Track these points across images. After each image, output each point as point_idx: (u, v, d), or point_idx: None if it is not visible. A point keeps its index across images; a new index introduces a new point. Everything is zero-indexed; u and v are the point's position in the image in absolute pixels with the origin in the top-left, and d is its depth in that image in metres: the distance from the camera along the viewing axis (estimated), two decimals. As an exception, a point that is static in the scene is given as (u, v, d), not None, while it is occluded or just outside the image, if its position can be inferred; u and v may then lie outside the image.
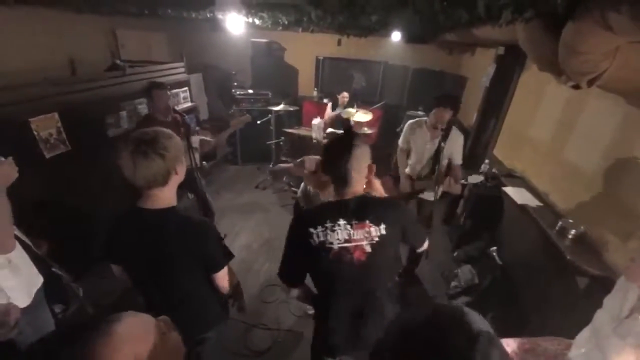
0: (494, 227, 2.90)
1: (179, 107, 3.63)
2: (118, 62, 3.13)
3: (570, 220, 1.97)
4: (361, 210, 1.10)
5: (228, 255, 1.25)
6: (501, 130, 3.37)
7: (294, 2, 2.18)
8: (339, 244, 1.08)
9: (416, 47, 4.65)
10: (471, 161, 3.51)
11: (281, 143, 4.59)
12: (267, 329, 2.35)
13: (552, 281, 2.06)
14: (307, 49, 5.25)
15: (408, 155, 2.72)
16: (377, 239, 1.10)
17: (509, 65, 3.18)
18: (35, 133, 2.18)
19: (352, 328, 1.19)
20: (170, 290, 1.21)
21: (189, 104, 4.07)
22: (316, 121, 3.91)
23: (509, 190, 2.56)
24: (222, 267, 1.21)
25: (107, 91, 2.76)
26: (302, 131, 4.39)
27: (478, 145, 3.83)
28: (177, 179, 1.11)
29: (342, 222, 1.09)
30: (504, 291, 2.44)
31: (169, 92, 2.53)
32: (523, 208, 2.34)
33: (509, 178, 2.79)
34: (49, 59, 2.88)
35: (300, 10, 2.44)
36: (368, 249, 1.09)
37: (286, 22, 3.71)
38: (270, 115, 4.51)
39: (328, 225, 1.08)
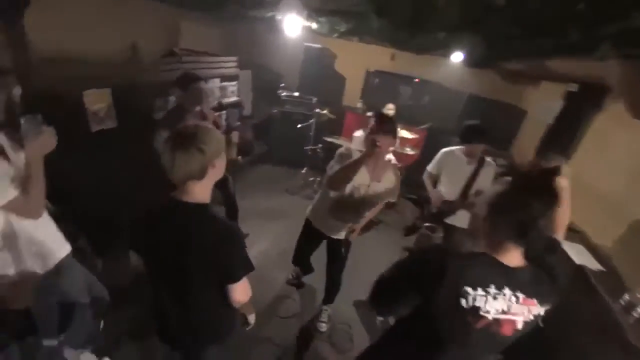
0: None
1: (226, 100, 3.67)
2: (175, 49, 3.21)
3: (639, 295, 1.67)
4: (534, 286, 0.93)
5: (248, 267, 1.15)
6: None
7: (358, 9, 2.08)
8: (495, 314, 0.89)
9: (474, 71, 4.39)
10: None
11: (318, 150, 4.51)
12: (274, 345, 2.22)
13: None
14: (358, 59, 5.17)
15: (435, 184, 2.58)
16: (532, 317, 0.94)
17: (580, 105, 2.86)
18: (87, 106, 2.26)
19: None
20: (182, 289, 1.14)
21: (235, 98, 4.11)
22: (358, 134, 3.78)
23: (565, 245, 2.25)
24: (239, 279, 1.13)
25: (160, 76, 2.83)
26: (341, 141, 4.28)
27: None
28: (214, 173, 1.10)
29: (507, 291, 0.90)
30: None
31: (204, 86, 2.41)
32: (580, 268, 2.04)
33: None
34: (113, 42, 3.00)
35: (363, 18, 2.34)
36: (519, 326, 0.93)
37: (343, 30, 3.66)
38: (311, 121, 4.45)
39: (492, 291, 0.88)
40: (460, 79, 4.67)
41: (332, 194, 1.95)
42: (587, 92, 2.77)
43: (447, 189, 2.48)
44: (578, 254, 2.16)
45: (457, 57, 3.43)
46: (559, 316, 2.24)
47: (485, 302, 0.88)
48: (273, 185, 4.44)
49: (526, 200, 0.86)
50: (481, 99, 4.58)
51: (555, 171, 0.99)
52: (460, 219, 2.45)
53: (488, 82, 4.52)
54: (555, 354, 2.15)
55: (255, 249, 3.16)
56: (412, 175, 4.48)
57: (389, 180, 1.94)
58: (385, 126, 1.73)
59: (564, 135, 3.13)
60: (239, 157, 4.17)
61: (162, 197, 1.11)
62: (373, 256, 3.32)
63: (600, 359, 1.78)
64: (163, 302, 1.20)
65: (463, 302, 0.87)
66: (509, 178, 0.97)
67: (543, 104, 3.35)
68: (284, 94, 4.86)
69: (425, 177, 2.64)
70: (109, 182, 2.49)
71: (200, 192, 1.09)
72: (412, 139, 4.02)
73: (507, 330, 0.92)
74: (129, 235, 1.16)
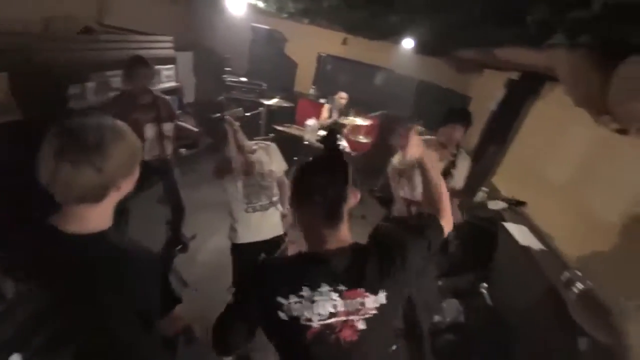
0: (486, 261, 2.73)
1: (160, 87, 3.24)
2: (92, 25, 2.70)
3: (579, 273, 1.80)
4: (353, 271, 0.80)
5: (173, 302, 0.94)
6: (504, 159, 3.21)
7: (308, -15, 1.88)
8: (320, 320, 0.76)
9: (425, 59, 4.44)
10: (465, 186, 3.34)
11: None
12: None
13: (550, 335, 1.88)
14: (309, 44, 4.96)
15: (401, 177, 2.29)
16: (375, 311, 0.79)
17: (522, 93, 3.02)
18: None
19: None
20: (100, 343, 0.89)
21: (173, 83, 3.67)
22: (311, 122, 3.64)
23: (510, 227, 2.37)
24: (165, 315, 0.92)
25: (75, 56, 2.35)
26: (294, 130, 4.09)
27: (475, 171, 3.67)
28: (117, 195, 0.80)
29: (325, 288, 0.77)
30: (494, 336, 2.26)
31: (153, 71, 2.21)
32: (524, 249, 2.16)
33: (509, 212, 2.62)
34: (22, 13, 2.42)
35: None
36: (361, 325, 0.79)
37: (293, 11, 3.40)
38: (261, 109, 4.18)
39: (305, 294, 0.77)
40: (411, 65, 4.70)
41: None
42: (527, 80, 2.93)
43: (417, 183, 2.20)
44: (522, 235, 2.29)
45: (408, 43, 3.40)
46: (506, 289, 2.41)
47: (302, 308, 0.76)
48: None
49: (318, 181, 0.82)
50: (431, 85, 4.68)
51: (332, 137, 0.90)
52: None
53: (436, 69, 4.61)
54: (503, 317, 2.29)
55: (209, 245, 2.92)
56: (368, 164, 4.49)
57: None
58: None
59: (505, 121, 3.31)
60: (182, 150, 3.79)
61: (35, 226, 0.78)
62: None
63: (545, 325, 1.91)
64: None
65: (280, 314, 0.76)
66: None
67: (488, 92, 3.49)
68: (231, 79, 4.49)
69: (389, 172, 2.32)
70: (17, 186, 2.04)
71: (97, 218, 0.79)
72: (366, 126, 3.98)
73: (350, 335, 0.78)
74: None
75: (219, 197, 3.50)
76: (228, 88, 4.48)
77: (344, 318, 0.77)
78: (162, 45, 3.32)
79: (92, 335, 0.87)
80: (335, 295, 0.77)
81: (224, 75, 4.49)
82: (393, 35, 3.45)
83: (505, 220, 2.50)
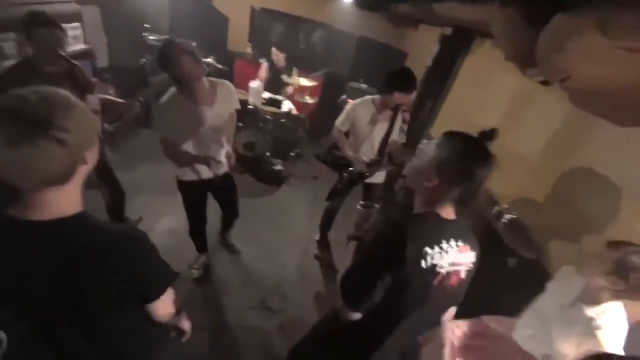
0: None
1: (67, 50, 2.70)
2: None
3: (505, 206, 2.13)
4: (466, 233, 1.01)
5: (170, 275, 0.91)
6: (440, 112, 3.47)
7: None
8: (447, 268, 0.95)
9: (364, 14, 4.37)
10: (407, 139, 3.58)
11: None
12: (205, 332, 2.05)
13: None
14: (240, -5, 4.50)
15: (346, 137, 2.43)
16: (471, 265, 1.03)
17: (455, 47, 3.21)
18: None
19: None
20: (86, 338, 0.83)
21: (81, 45, 3.09)
22: (254, 84, 3.44)
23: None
24: (159, 296, 0.87)
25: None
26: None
27: (415, 124, 3.93)
28: (84, 170, 0.73)
29: (452, 242, 0.96)
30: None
31: (60, 31, 1.79)
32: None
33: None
34: None
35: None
36: (463, 275, 1.01)
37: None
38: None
39: (444, 245, 0.94)
40: (349, 21, 4.61)
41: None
42: (459, 36, 3.10)
43: (362, 145, 2.36)
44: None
45: (347, -4, 3.31)
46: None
47: (441, 258, 0.93)
48: (159, 152, 3.76)
49: (472, 170, 0.92)
50: (370, 41, 4.68)
51: (492, 135, 1.00)
52: (378, 177, 2.46)
53: (375, 24, 4.60)
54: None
55: (159, 228, 2.74)
56: (314, 124, 4.48)
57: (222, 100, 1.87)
58: None
59: (440, 75, 3.53)
60: (106, 125, 3.33)
61: None
62: (299, 213, 3.31)
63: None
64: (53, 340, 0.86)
65: (423, 263, 0.90)
66: (446, 139, 1.00)
67: (423, 47, 3.62)
68: (152, 37, 3.92)
69: (335, 135, 2.39)
70: None
71: (67, 200, 0.72)
72: (311, 86, 3.91)
73: (454, 281, 0.99)
74: None
75: (156, 176, 3.26)
76: (150, 48, 3.92)
77: (457, 268, 0.98)
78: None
79: (79, 328, 0.81)
80: (456, 249, 0.96)
81: (144, 34, 3.89)
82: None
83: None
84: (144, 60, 3.94)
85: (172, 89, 1.75)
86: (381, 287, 0.92)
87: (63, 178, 0.68)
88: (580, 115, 1.78)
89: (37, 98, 0.62)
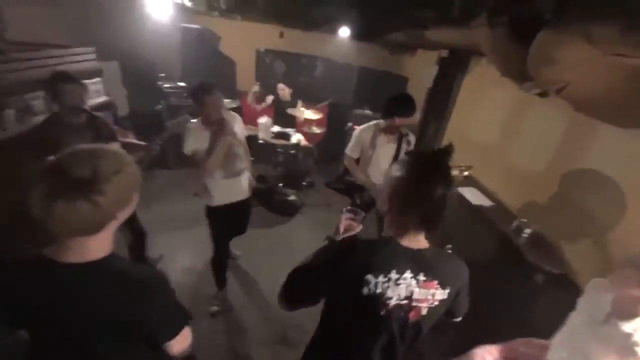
0: (448, 225, 2.99)
1: (90, 103, 2.93)
2: (-3, 43, 2.35)
3: (524, 220, 2.08)
4: (435, 266, 0.90)
5: (183, 320, 0.94)
6: (445, 132, 3.51)
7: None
8: (397, 300, 0.87)
9: (359, 45, 4.59)
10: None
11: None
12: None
13: (511, 280, 2.15)
14: (245, 40, 4.82)
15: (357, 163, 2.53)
16: (437, 302, 0.92)
17: (453, 68, 3.31)
18: None
19: None
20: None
21: (103, 98, 3.35)
22: (263, 120, 3.59)
23: (463, 190, 2.64)
24: (175, 336, 0.90)
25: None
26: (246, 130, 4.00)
27: (421, 146, 3.96)
28: (116, 224, 0.80)
29: (408, 275, 0.87)
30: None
31: (81, 86, 1.98)
32: (475, 208, 2.42)
33: (459, 178, 2.89)
34: None
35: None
36: (424, 312, 0.92)
37: (224, 7, 3.29)
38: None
39: (393, 276, 0.85)
40: (346, 53, 4.84)
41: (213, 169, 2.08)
42: (456, 57, 3.21)
43: (371, 171, 2.44)
44: (473, 196, 2.56)
45: (344, 32, 3.50)
46: (463, 247, 2.69)
47: (387, 288, 0.86)
48: (178, 190, 3.91)
49: (429, 190, 0.84)
50: (370, 70, 4.87)
51: (448, 151, 0.90)
52: None
53: (374, 54, 4.80)
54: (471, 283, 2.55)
55: (177, 265, 2.77)
56: (322, 152, 4.58)
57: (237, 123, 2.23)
58: None
59: (441, 96, 3.61)
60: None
61: (27, 259, 0.76)
62: (315, 241, 3.31)
63: (504, 272, 2.17)
64: None
65: (364, 289, 0.85)
66: (403, 160, 0.95)
67: (424, 71, 3.74)
68: (167, 85, 4.21)
69: (347, 163, 2.50)
70: None
71: (96, 247, 0.78)
72: (318, 119, 4.04)
73: (414, 316, 0.92)
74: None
75: (172, 214, 3.37)
76: (165, 95, 4.20)
77: (415, 303, 0.89)
78: (85, 58, 3.00)
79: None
80: (414, 283, 0.87)
81: (159, 82, 4.19)
82: (327, 24, 3.53)
83: (456, 186, 2.76)
84: (159, 106, 4.21)
85: (194, 120, 2.11)
86: (316, 294, 0.93)
87: (94, 230, 0.74)
88: (581, 122, 1.79)
89: (87, 159, 0.70)
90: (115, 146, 2.16)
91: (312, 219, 3.72)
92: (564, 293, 1.62)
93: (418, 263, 0.89)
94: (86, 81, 3.03)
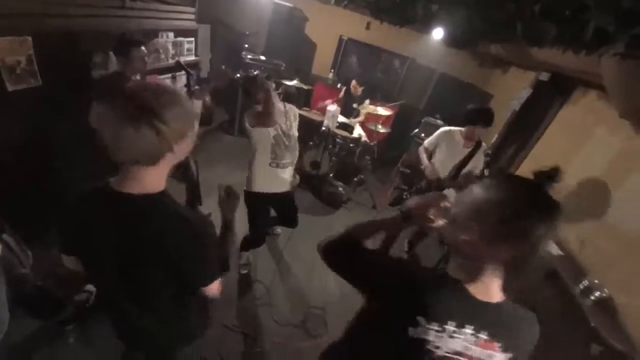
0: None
1: (182, 59, 3.16)
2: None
3: (596, 281, 1.81)
4: (503, 327, 0.75)
5: (220, 271, 0.98)
6: (524, 160, 3.17)
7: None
8: (446, 352, 0.74)
9: (450, 51, 4.31)
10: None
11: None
12: (243, 334, 2.10)
13: (565, 344, 1.91)
14: (331, 25, 4.80)
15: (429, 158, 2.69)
16: None
17: (551, 94, 2.95)
18: (-1, 57, 1.73)
19: None
20: (142, 298, 0.95)
21: (193, 57, 3.58)
22: (332, 108, 3.57)
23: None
24: (211, 283, 0.95)
25: (100, 23, 2.29)
26: (312, 115, 4.02)
27: (492, 168, 3.64)
28: (172, 158, 0.84)
29: (468, 331, 0.73)
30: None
31: (143, 49, 2.09)
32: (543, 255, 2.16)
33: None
34: None
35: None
36: None
37: (320, -11, 3.28)
38: (279, 90, 4.09)
39: (449, 328, 0.72)
40: (432, 56, 4.58)
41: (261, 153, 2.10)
42: (557, 82, 2.85)
43: (439, 167, 2.57)
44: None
45: (437, 33, 3.28)
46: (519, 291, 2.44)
47: (439, 338, 0.73)
48: (235, 158, 4.08)
49: (532, 225, 0.65)
50: (452, 78, 4.57)
51: (554, 175, 0.69)
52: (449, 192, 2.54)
53: (460, 63, 4.49)
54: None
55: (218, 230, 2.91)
56: (381, 153, 4.45)
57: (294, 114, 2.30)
58: None
59: (529, 122, 3.26)
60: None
61: (97, 183, 0.84)
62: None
63: (565, 340, 1.93)
64: (114, 302, 0.99)
65: (411, 330, 0.73)
66: (491, 182, 0.75)
67: (517, 92, 3.41)
68: (249, 56, 4.38)
69: (420, 150, 2.72)
70: (33, 158, 2.02)
71: (152, 180, 0.83)
72: (385, 115, 3.91)
73: None
74: (61, 240, 0.91)
75: (231, 178, 3.52)
76: (245, 65, 4.37)
77: (465, 359, 0.75)
78: (184, 17, 3.22)
79: (139, 293, 0.93)
80: (473, 340, 0.74)
81: (243, 53, 4.37)
82: (420, 23, 3.34)
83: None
84: (238, 75, 4.40)
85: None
86: (360, 277, 0.86)
87: (152, 160, 0.79)
88: None
89: (153, 90, 0.75)
90: (196, 103, 2.31)
91: (354, 216, 3.67)
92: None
93: (483, 319, 0.74)
94: (181, 38, 3.28)
